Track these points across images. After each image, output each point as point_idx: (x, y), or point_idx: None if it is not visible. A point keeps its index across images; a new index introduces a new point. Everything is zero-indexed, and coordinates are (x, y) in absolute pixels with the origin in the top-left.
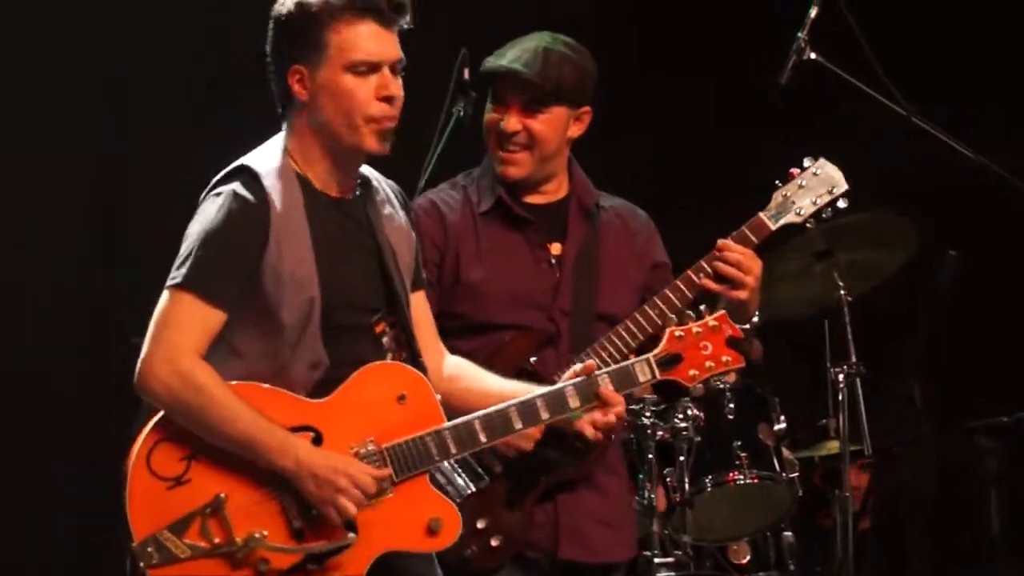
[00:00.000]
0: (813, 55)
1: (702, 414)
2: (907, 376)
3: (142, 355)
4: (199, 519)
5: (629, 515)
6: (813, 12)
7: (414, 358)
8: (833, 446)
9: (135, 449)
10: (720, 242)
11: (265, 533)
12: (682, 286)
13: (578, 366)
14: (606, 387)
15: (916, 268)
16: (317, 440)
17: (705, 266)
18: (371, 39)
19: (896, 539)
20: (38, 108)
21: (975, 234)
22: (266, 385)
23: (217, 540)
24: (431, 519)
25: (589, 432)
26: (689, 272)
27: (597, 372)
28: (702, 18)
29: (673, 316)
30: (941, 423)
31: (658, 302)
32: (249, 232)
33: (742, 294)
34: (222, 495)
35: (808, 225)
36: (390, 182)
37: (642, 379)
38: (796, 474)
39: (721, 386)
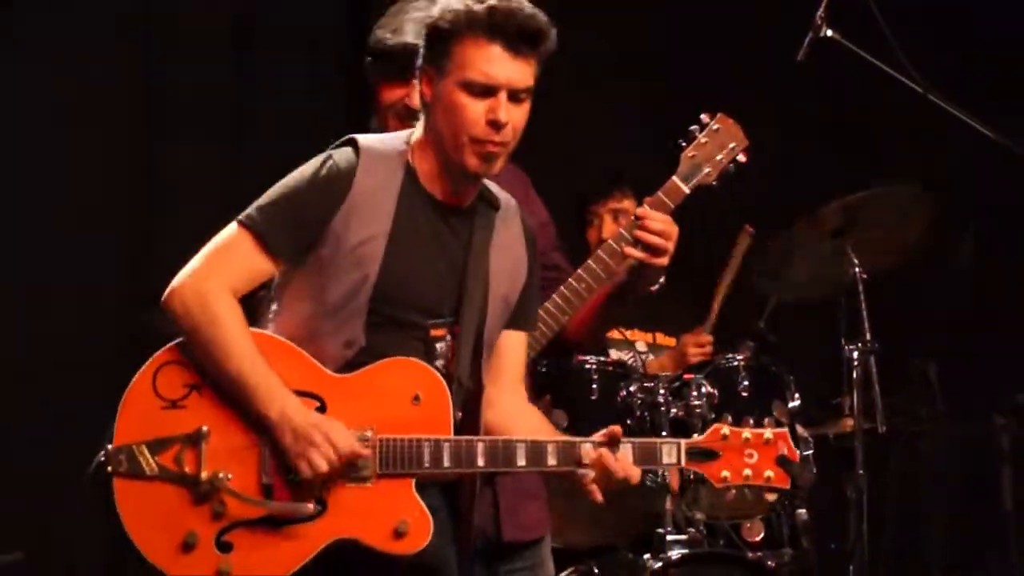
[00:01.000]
0: (830, 32)
1: (716, 391)
2: (922, 354)
3: (182, 270)
4: (178, 445)
5: (543, 486)
6: None
7: (466, 375)
8: (847, 424)
9: (148, 362)
10: (639, 210)
11: (230, 476)
12: (605, 256)
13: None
14: (625, 457)
15: (932, 246)
16: (320, 410)
17: (626, 234)
18: (492, 62)
19: (911, 516)
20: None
21: (993, 212)
22: (291, 344)
23: (186, 469)
24: (400, 521)
25: (597, 497)
26: (610, 241)
27: (623, 440)
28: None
29: (597, 287)
30: (956, 401)
31: (583, 275)
32: (323, 196)
33: (664, 260)
34: (205, 429)
35: (714, 184)
36: (530, 222)
37: (665, 460)
38: (810, 451)
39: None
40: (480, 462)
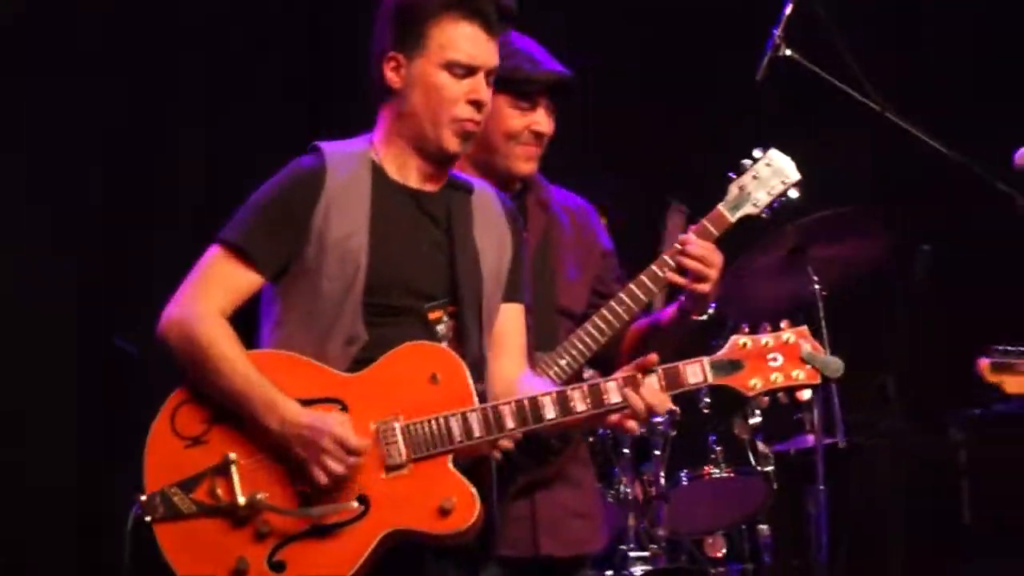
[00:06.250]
0: (788, 52)
1: (677, 408)
2: (881, 369)
3: (170, 301)
4: (209, 478)
5: (599, 505)
6: (788, 9)
7: (474, 352)
8: (808, 439)
9: (163, 406)
10: (682, 236)
11: (267, 495)
12: (647, 280)
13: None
14: (651, 384)
15: (890, 262)
16: (342, 412)
17: (669, 260)
18: (473, 42)
19: (872, 531)
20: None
21: (949, 228)
22: (297, 355)
23: (222, 499)
24: (444, 499)
25: (629, 426)
26: (653, 267)
27: (650, 369)
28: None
29: (638, 310)
30: (914, 416)
31: (624, 297)
32: (297, 195)
33: (705, 287)
34: (232, 455)
35: (764, 216)
36: (504, 198)
37: (692, 380)
38: (771, 467)
39: (787, 401)
40: (510, 424)
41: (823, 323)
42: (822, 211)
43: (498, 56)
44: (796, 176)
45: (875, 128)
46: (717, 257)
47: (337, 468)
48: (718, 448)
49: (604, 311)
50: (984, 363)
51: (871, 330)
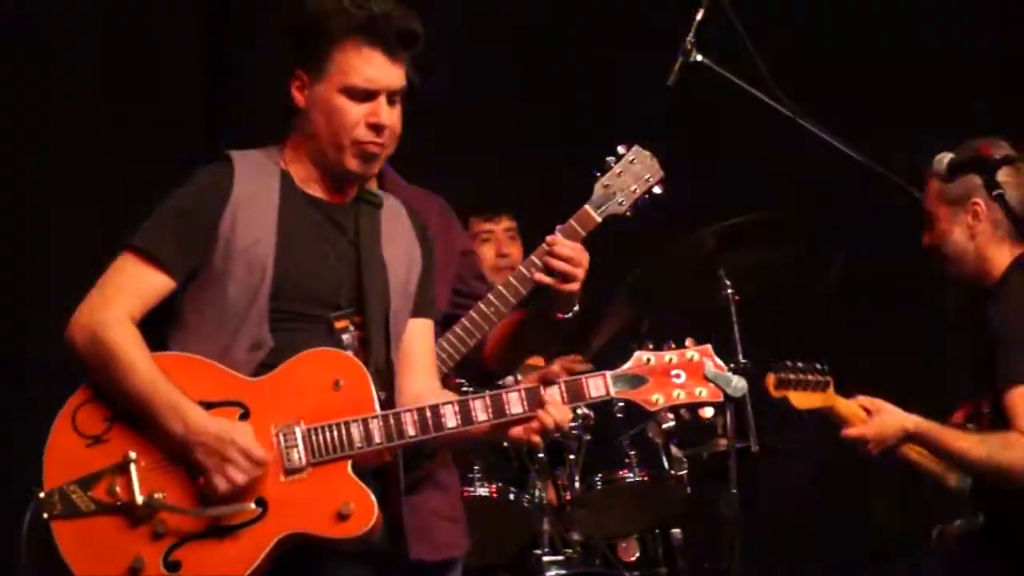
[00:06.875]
0: (700, 57)
1: (592, 413)
2: None
3: (80, 305)
4: (108, 476)
5: (463, 509)
6: (699, 15)
7: (381, 361)
8: (721, 443)
9: (65, 404)
10: (549, 237)
11: (165, 495)
12: (515, 282)
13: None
14: (552, 397)
15: (802, 267)
16: (244, 416)
17: (536, 261)
18: (372, 67)
19: (785, 534)
20: None
21: (861, 231)
22: (201, 358)
23: (121, 498)
24: (342, 504)
25: (535, 441)
26: (520, 268)
27: (552, 381)
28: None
29: (507, 312)
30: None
31: (493, 299)
32: (204, 202)
33: (573, 287)
34: (132, 454)
35: (628, 214)
36: (417, 214)
37: (594, 394)
38: (684, 471)
39: (689, 417)
40: (410, 432)
41: (735, 327)
42: (735, 215)
43: (403, 76)
44: (660, 173)
45: (786, 133)
46: (584, 257)
47: (239, 478)
48: (632, 452)
49: (473, 314)
50: (769, 379)
51: (783, 334)
